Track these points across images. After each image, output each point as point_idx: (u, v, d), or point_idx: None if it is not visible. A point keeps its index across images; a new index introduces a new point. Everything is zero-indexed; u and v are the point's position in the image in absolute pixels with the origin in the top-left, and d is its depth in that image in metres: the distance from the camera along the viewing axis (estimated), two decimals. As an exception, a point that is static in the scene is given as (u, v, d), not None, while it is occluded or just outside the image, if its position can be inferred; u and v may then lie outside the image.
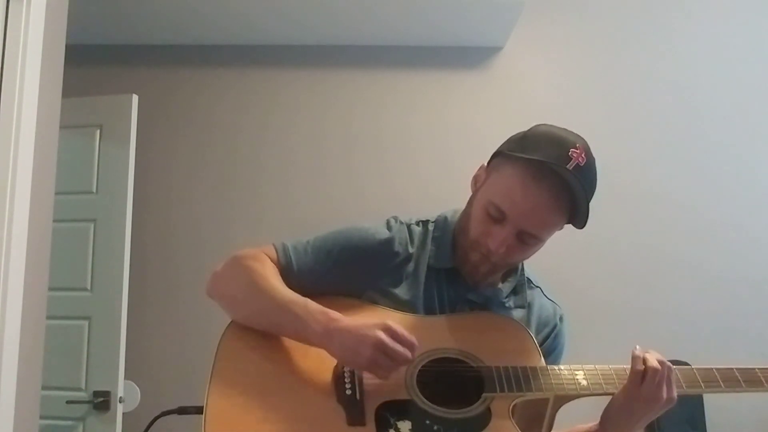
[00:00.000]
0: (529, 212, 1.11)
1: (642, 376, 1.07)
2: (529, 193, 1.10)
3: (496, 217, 1.13)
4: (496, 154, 1.19)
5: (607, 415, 1.14)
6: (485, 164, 1.22)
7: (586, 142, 1.13)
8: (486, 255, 1.16)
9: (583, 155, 1.09)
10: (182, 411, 1.31)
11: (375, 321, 1.06)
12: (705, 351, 2.71)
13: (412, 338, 1.04)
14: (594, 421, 1.17)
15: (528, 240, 1.14)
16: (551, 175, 1.09)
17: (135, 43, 3.25)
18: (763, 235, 3.11)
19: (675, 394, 1.09)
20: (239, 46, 3.28)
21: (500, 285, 1.25)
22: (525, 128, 1.19)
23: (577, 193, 1.09)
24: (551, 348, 1.25)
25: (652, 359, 1.08)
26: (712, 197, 3.14)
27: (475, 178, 1.23)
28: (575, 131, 1.16)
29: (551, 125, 1.17)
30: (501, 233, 1.12)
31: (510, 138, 1.19)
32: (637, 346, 1.11)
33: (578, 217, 1.13)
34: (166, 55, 3.28)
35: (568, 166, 1.08)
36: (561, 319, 1.29)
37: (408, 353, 1.03)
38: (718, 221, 3.11)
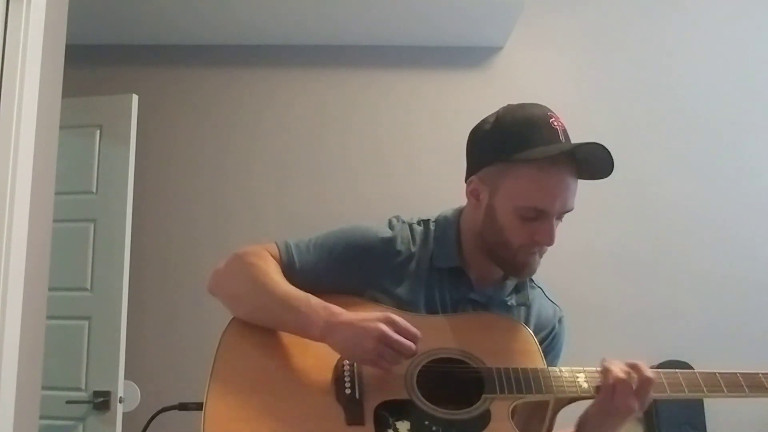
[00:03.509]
0: (563, 197, 1.13)
1: (613, 390, 1.06)
2: (556, 183, 1.12)
3: (535, 216, 1.13)
4: (488, 163, 1.17)
5: (582, 425, 1.13)
6: (475, 177, 1.19)
7: (545, 106, 1.17)
8: (538, 250, 1.17)
9: (559, 120, 1.14)
10: (183, 407, 1.32)
11: (377, 314, 1.06)
12: (705, 351, 2.72)
13: (415, 330, 1.05)
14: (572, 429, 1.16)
15: (562, 216, 1.17)
16: (562, 156, 1.11)
17: (135, 43, 3.25)
18: (763, 235, 3.11)
19: (646, 402, 1.07)
20: (239, 46, 3.28)
21: (502, 283, 1.25)
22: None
23: (590, 148, 1.09)
24: (548, 350, 1.24)
25: (618, 370, 1.06)
26: (712, 197, 3.13)
27: (475, 193, 1.20)
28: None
29: (508, 106, 1.19)
30: (548, 226, 1.13)
31: (483, 137, 1.19)
32: (605, 358, 1.09)
33: (596, 168, 1.12)
34: (166, 55, 3.28)
35: (568, 141, 1.12)
36: (560, 320, 1.29)
37: (411, 345, 1.03)
38: (719, 222, 3.11)
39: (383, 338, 1.02)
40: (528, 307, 1.26)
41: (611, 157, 1.10)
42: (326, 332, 1.07)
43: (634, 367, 1.07)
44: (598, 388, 1.08)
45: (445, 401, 1.07)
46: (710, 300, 3.03)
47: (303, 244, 1.22)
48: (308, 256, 1.21)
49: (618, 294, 3.01)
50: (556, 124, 1.13)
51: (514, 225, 1.15)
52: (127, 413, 2.68)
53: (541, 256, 1.20)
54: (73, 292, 2.78)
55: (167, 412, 1.33)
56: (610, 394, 1.06)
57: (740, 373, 1.13)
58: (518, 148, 1.12)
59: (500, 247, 1.18)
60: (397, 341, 1.03)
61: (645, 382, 1.06)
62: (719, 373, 1.13)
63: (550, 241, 1.14)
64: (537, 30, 3.26)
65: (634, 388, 1.05)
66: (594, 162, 1.12)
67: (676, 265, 3.06)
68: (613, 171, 1.12)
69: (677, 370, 1.13)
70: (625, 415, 1.07)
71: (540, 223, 1.13)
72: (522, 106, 1.18)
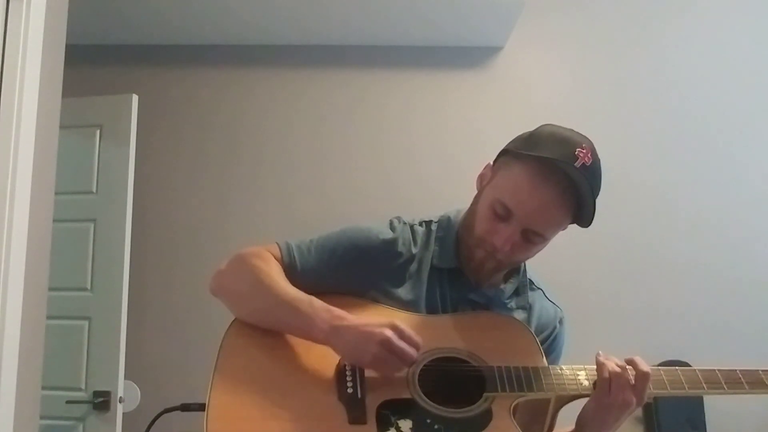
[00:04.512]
0: (536, 210, 1.12)
1: (608, 383, 1.07)
2: (536, 191, 1.11)
3: (503, 214, 1.13)
4: (503, 153, 1.20)
5: (580, 422, 1.14)
6: (491, 163, 1.23)
7: (591, 143, 1.13)
8: (491, 252, 1.16)
9: (589, 155, 1.10)
10: (185, 408, 1.31)
11: (381, 320, 1.06)
12: (705, 351, 2.72)
13: (418, 338, 1.05)
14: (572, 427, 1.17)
15: (533, 238, 1.15)
16: (558, 174, 1.10)
17: (135, 43, 3.25)
18: (763, 235, 3.11)
19: (644, 396, 1.08)
20: (239, 46, 3.28)
21: (502, 286, 1.25)
22: (525, 128, 1.20)
23: (584, 191, 1.10)
24: (549, 350, 1.25)
25: (612, 365, 1.08)
26: (712, 197, 3.14)
27: (481, 177, 1.23)
28: (575, 131, 1.16)
29: (557, 125, 1.18)
30: (506, 231, 1.13)
31: (516, 137, 1.20)
32: (600, 352, 1.10)
33: (583, 216, 1.14)
34: (166, 55, 3.28)
35: (575, 165, 1.09)
36: (561, 321, 1.30)
37: (414, 353, 1.04)
38: (718, 221, 3.11)
39: (387, 344, 1.03)
40: (529, 308, 1.26)
41: (594, 208, 1.11)
42: (330, 335, 1.07)
43: (631, 362, 1.09)
44: (595, 383, 1.09)
45: (447, 400, 1.07)
46: (710, 300, 3.03)
47: (304, 245, 1.22)
48: (309, 257, 1.21)
49: (618, 293, 3.02)
50: (580, 153, 1.09)
51: (485, 215, 1.16)
52: (127, 413, 2.68)
53: (495, 268, 1.20)
54: (73, 292, 2.78)
55: (170, 413, 1.33)
56: (606, 388, 1.07)
57: (740, 370, 1.13)
58: (528, 147, 1.13)
59: (467, 231, 1.20)
60: (400, 348, 1.03)
61: (642, 377, 1.07)
62: (719, 370, 1.13)
63: (501, 244, 1.14)
64: (537, 30, 3.26)
65: (632, 382, 1.06)
66: (589, 206, 1.12)
67: (676, 265, 3.07)
68: (591, 224, 1.14)
69: (677, 368, 1.13)
70: (622, 409, 1.08)
71: (504, 225, 1.13)
72: (567, 129, 1.17)
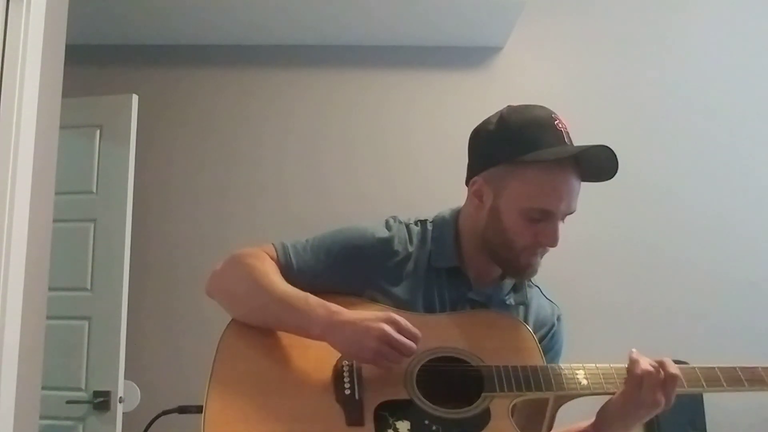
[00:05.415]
0: (568, 199, 1.13)
1: (640, 381, 1.06)
2: (561, 184, 1.12)
3: (539, 218, 1.14)
4: (493, 163, 1.17)
5: (603, 417, 1.13)
6: (479, 178, 1.19)
7: (543, 106, 1.17)
8: (543, 251, 1.18)
9: (562, 120, 1.15)
10: (182, 410, 1.32)
11: (378, 313, 1.07)
12: (705, 351, 2.70)
13: (416, 330, 1.05)
14: (592, 420, 1.17)
15: (565, 218, 1.17)
16: (568, 158, 1.12)
17: (135, 43, 3.25)
18: (762, 235, 3.11)
19: (672, 399, 1.08)
20: (239, 46, 3.28)
21: (501, 282, 1.25)
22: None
23: (593, 153, 1.10)
24: (548, 348, 1.24)
25: (646, 363, 1.07)
26: (712, 197, 3.14)
27: (478, 194, 1.20)
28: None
29: (511, 107, 1.19)
30: (552, 228, 1.14)
31: (486, 140, 1.19)
32: (634, 349, 1.10)
33: (599, 169, 1.13)
34: (166, 55, 3.28)
35: (568, 142, 1.12)
36: (559, 319, 1.30)
37: (412, 345, 1.04)
38: (718, 221, 3.11)
39: (385, 338, 1.03)
40: (527, 305, 1.26)
41: (616, 159, 1.10)
42: (327, 331, 1.07)
43: (660, 363, 1.08)
44: (625, 379, 1.08)
45: (445, 400, 1.07)
46: (710, 300, 3.03)
47: (300, 245, 1.22)
48: (305, 256, 1.21)
49: (618, 293, 3.01)
50: (560, 126, 1.14)
51: (519, 226, 1.15)
52: (127, 413, 2.68)
53: (541, 257, 1.20)
54: (73, 292, 2.78)
55: (168, 415, 1.33)
56: (637, 385, 1.06)
57: (739, 368, 1.13)
58: (525, 150, 1.12)
59: (503, 249, 1.18)
60: (398, 341, 1.03)
61: (671, 379, 1.06)
62: (719, 368, 1.13)
63: (554, 243, 1.15)
64: (537, 30, 3.26)
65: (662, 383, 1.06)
66: (599, 164, 1.12)
67: (676, 265, 3.06)
68: (617, 173, 1.13)
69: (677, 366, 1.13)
70: (651, 408, 1.07)
71: (545, 224, 1.14)
72: (526, 107, 1.18)
